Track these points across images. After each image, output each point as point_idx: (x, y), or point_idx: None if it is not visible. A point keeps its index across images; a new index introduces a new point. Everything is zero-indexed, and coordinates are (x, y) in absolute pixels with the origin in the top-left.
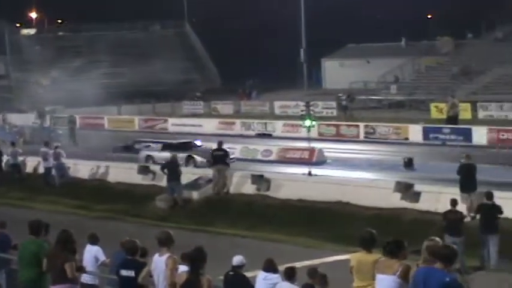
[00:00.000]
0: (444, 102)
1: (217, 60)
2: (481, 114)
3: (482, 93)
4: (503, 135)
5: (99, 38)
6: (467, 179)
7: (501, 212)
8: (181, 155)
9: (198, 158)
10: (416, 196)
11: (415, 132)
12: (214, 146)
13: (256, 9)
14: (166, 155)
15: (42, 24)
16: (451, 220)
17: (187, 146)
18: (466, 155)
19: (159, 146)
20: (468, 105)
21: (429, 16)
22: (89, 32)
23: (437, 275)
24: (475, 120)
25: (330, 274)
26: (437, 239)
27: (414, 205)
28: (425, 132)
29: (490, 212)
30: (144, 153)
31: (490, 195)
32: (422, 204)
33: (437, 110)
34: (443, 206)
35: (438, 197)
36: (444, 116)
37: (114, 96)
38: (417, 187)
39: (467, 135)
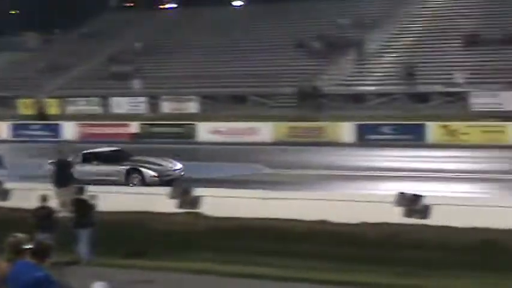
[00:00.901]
0: (31, 98)
1: None
2: (70, 109)
3: (70, 88)
4: (92, 129)
5: None
6: (60, 175)
7: (93, 207)
8: (116, 169)
9: (148, 173)
10: (6, 194)
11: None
12: None
13: None
14: (90, 169)
15: None
16: (41, 216)
17: (120, 156)
18: (58, 151)
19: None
20: (56, 101)
21: (13, 12)
22: None
23: (29, 271)
24: (64, 116)
25: None
26: (20, 235)
27: (4, 203)
28: (13, 129)
29: (82, 206)
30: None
31: (81, 190)
32: (13, 202)
33: (25, 107)
34: (35, 203)
35: (29, 194)
36: (32, 113)
37: None
38: (7, 185)
39: (56, 131)
